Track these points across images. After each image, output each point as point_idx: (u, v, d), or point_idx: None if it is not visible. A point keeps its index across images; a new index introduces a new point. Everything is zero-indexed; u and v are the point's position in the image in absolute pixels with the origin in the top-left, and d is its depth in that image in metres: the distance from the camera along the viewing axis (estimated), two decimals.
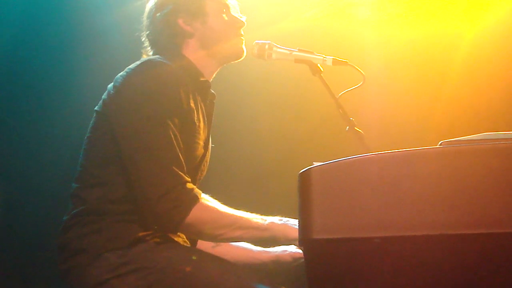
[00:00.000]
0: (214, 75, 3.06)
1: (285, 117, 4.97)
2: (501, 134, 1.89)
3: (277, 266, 3.05)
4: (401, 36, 4.97)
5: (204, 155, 2.95)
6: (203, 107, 2.92)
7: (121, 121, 2.73)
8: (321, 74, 2.92)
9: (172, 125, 2.69)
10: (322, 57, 2.94)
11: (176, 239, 2.83)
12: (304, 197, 1.86)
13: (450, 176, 1.78)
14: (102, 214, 2.72)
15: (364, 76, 2.91)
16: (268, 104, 4.96)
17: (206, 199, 2.78)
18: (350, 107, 2.91)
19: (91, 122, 2.87)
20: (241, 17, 3.06)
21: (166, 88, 2.73)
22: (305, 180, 1.86)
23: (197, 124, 2.82)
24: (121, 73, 2.82)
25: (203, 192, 2.77)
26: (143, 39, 3.08)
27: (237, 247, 3.09)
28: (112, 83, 2.83)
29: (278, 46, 2.98)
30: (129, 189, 2.72)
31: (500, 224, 1.75)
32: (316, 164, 1.88)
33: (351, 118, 2.89)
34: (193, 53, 2.97)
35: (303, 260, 2.88)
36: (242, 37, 3.02)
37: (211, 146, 3.08)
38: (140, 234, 2.72)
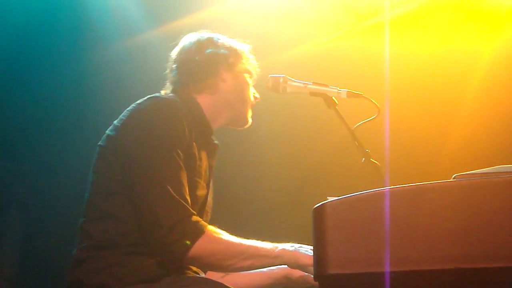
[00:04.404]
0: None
1: (300, 148, 4.98)
2: None
3: (289, 282, 3.05)
4: (415, 59, 4.98)
5: (206, 196, 2.97)
6: (204, 152, 2.95)
7: (128, 154, 2.76)
8: (336, 107, 2.93)
9: (177, 157, 2.73)
10: (336, 90, 2.94)
11: (195, 269, 2.84)
12: (319, 232, 1.86)
13: (464, 209, 1.78)
14: (115, 248, 2.73)
15: (379, 108, 2.92)
16: (283, 136, 4.97)
17: (213, 230, 2.77)
18: (364, 139, 2.92)
19: (95, 156, 2.89)
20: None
21: (170, 121, 2.77)
22: (319, 215, 1.86)
23: (198, 163, 2.85)
24: (127, 108, 2.87)
25: (214, 225, 2.78)
26: (169, 70, 3.11)
27: (246, 273, 3.08)
28: (119, 118, 2.87)
29: (293, 79, 2.99)
30: (137, 220, 2.74)
31: None
32: (330, 199, 1.89)
33: (366, 150, 2.89)
34: (214, 100, 3.02)
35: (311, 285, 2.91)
36: (251, 109, 3.11)
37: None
38: (161, 267, 2.73)
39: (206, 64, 3.03)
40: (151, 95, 2.90)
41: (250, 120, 3.12)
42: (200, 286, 2.74)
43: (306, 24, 5.02)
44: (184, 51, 3.09)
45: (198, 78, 3.03)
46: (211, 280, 2.90)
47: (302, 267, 2.79)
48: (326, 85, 2.96)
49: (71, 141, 4.81)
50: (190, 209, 2.71)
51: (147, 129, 2.77)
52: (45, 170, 4.84)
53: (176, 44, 3.14)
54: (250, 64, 3.11)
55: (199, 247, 2.67)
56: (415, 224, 1.79)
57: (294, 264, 2.78)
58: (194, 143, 2.84)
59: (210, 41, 3.08)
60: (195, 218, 2.71)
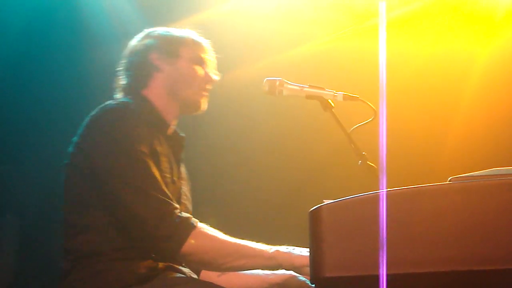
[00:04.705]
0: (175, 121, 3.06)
1: (296, 151, 4.97)
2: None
3: None
4: (412, 62, 4.98)
5: (179, 190, 2.94)
6: (166, 147, 2.93)
7: (94, 165, 2.75)
8: (332, 110, 2.92)
9: (142, 155, 2.72)
10: (333, 93, 2.93)
11: (184, 269, 2.83)
12: (315, 235, 1.86)
13: (460, 212, 1.79)
14: (100, 255, 2.72)
15: (375, 111, 2.92)
16: (279, 138, 4.96)
17: (206, 228, 2.76)
18: (360, 141, 2.92)
19: (62, 176, 2.88)
20: (216, 74, 3.08)
21: (126, 123, 2.77)
22: (315, 218, 1.86)
23: (162, 158, 2.83)
24: (82, 123, 2.86)
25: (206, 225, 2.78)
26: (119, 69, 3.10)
27: (243, 274, 3.07)
28: (76, 134, 2.86)
29: (289, 82, 2.98)
30: (118, 229, 2.73)
31: None
32: (326, 201, 1.89)
33: (363, 152, 2.89)
34: (156, 91, 2.97)
35: None
36: (205, 92, 3.02)
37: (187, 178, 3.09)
38: (148, 269, 2.72)
39: (136, 57, 3.01)
40: (102, 104, 2.87)
41: (202, 104, 3.02)
42: (189, 285, 2.73)
43: (304, 25, 5.02)
44: (125, 53, 3.08)
45: (135, 73, 3.00)
46: (201, 280, 2.89)
47: (297, 268, 2.78)
48: (322, 88, 2.96)
49: (69, 144, 4.80)
50: (172, 203, 2.70)
51: (105, 135, 2.76)
52: (43, 173, 4.83)
53: None
54: (194, 49, 3.03)
55: (191, 244, 2.66)
56: (412, 226, 1.80)
57: (289, 265, 2.77)
58: (154, 139, 2.83)
59: (144, 36, 3.06)
60: (185, 213, 2.71)
